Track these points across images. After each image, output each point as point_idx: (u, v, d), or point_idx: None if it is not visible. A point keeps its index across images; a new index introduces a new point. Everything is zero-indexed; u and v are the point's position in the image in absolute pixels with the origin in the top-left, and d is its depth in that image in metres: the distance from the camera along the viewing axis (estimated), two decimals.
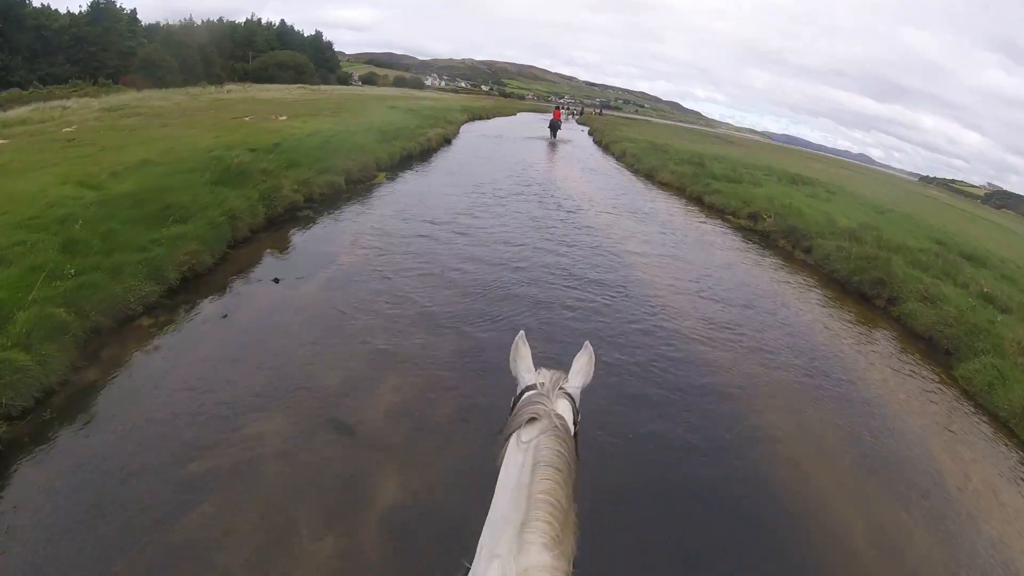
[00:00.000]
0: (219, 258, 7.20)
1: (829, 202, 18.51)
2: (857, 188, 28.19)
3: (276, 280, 6.85)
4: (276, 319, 5.87)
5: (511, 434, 1.37)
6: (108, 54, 51.60)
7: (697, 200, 16.19)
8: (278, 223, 9.12)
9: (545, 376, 1.52)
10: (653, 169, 20.21)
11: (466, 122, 34.74)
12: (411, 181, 13.73)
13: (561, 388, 1.48)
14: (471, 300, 6.79)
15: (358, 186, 12.30)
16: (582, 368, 1.60)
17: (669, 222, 12.81)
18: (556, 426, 1.32)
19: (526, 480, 1.21)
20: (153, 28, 59.66)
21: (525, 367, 1.58)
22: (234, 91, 36.14)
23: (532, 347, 1.62)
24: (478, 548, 1.27)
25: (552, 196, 13.50)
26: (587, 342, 1.67)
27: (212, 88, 37.34)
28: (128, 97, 28.39)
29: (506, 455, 1.35)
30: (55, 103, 24.87)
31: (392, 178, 13.76)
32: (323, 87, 54.13)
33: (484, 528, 1.29)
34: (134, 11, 57.78)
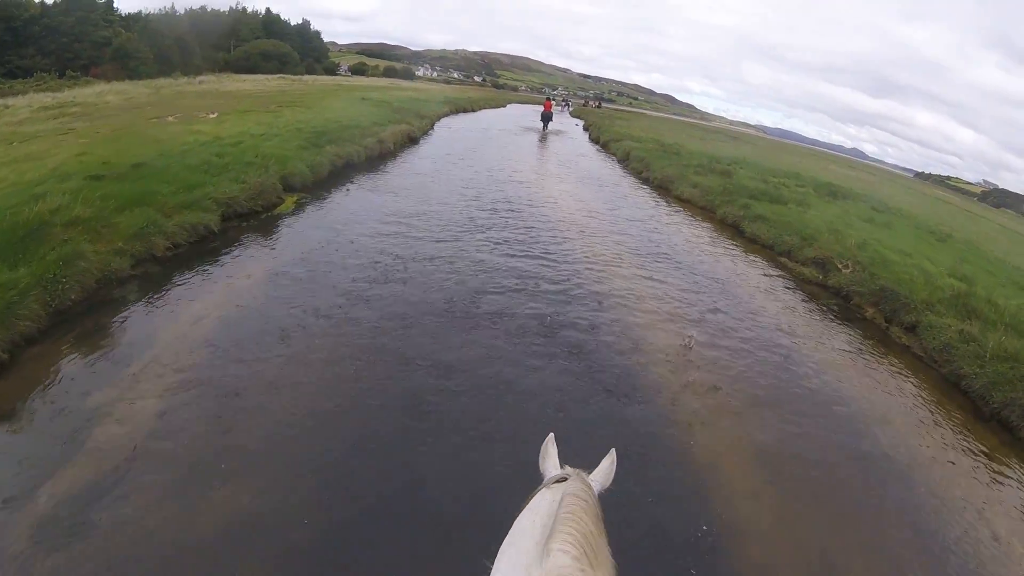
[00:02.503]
0: None
1: (890, 229, 14.47)
2: (894, 200, 24.21)
3: None
4: None
5: (538, 491, 1.56)
6: (81, 45, 47.93)
7: (733, 227, 12.06)
8: (72, 318, 5.08)
9: (570, 471, 1.64)
10: (669, 180, 16.00)
11: (447, 115, 30.65)
12: (329, 210, 9.48)
13: (584, 480, 1.56)
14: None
15: (244, 223, 8.14)
16: (603, 470, 1.76)
17: (711, 276, 8.67)
18: (584, 480, 1.50)
19: (554, 508, 1.34)
20: (133, 18, 56.26)
21: (552, 464, 1.76)
22: (207, 83, 32.79)
23: None
24: (496, 566, 1.39)
25: (536, 233, 9.30)
26: (612, 450, 1.83)
27: (184, 80, 34.20)
28: (88, 91, 24.92)
29: (533, 499, 1.53)
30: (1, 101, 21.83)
31: (306, 203, 9.57)
32: (305, 77, 50.76)
33: (504, 542, 1.44)
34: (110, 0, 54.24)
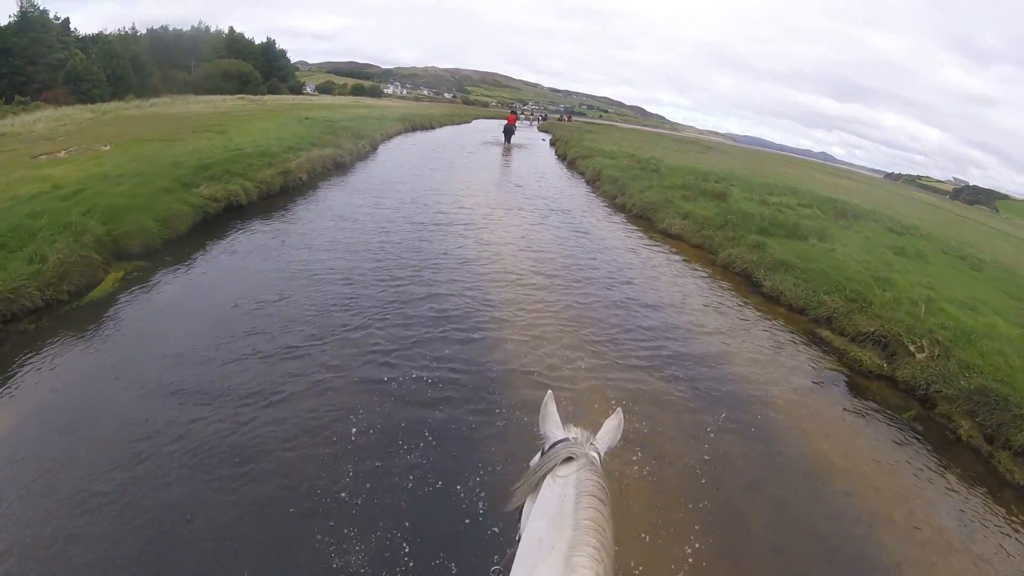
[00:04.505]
0: None
1: (926, 262, 11.64)
2: (901, 215, 21.70)
3: None
4: None
5: (545, 474, 1.36)
6: (35, 68, 44.89)
7: (743, 277, 9.05)
8: None
9: (575, 431, 1.51)
10: (651, 208, 12.94)
11: (399, 134, 27.61)
12: (159, 291, 6.22)
13: (591, 443, 1.46)
14: None
15: (34, 325, 5.12)
16: (610, 431, 1.58)
17: (736, 396, 5.54)
18: (593, 463, 1.34)
19: (570, 508, 1.19)
20: (92, 39, 53.23)
21: (553, 423, 1.58)
22: (157, 105, 29.98)
23: None
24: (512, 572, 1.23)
25: (456, 329, 6.10)
26: (619, 408, 1.64)
27: (135, 103, 31.56)
28: (27, 119, 21.70)
29: (542, 491, 1.33)
30: None
31: (134, 280, 6.40)
32: (265, 97, 47.95)
33: (518, 553, 1.25)
34: (67, 20, 50.87)
